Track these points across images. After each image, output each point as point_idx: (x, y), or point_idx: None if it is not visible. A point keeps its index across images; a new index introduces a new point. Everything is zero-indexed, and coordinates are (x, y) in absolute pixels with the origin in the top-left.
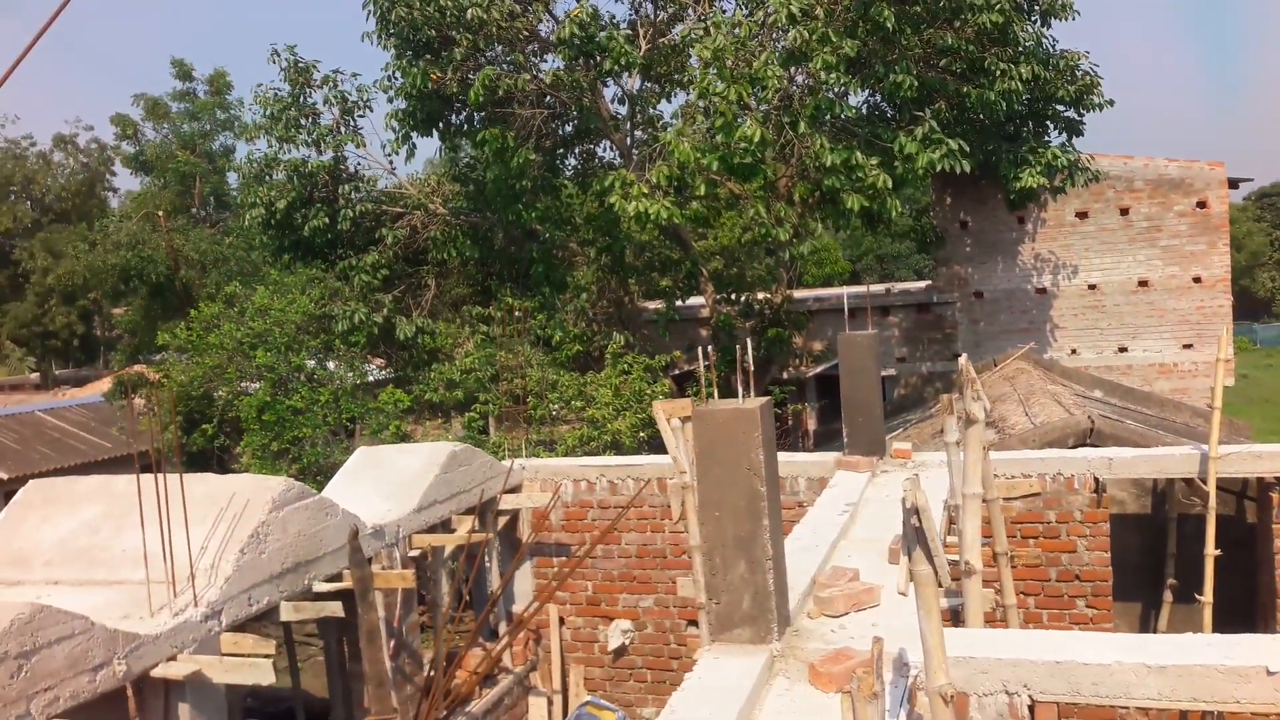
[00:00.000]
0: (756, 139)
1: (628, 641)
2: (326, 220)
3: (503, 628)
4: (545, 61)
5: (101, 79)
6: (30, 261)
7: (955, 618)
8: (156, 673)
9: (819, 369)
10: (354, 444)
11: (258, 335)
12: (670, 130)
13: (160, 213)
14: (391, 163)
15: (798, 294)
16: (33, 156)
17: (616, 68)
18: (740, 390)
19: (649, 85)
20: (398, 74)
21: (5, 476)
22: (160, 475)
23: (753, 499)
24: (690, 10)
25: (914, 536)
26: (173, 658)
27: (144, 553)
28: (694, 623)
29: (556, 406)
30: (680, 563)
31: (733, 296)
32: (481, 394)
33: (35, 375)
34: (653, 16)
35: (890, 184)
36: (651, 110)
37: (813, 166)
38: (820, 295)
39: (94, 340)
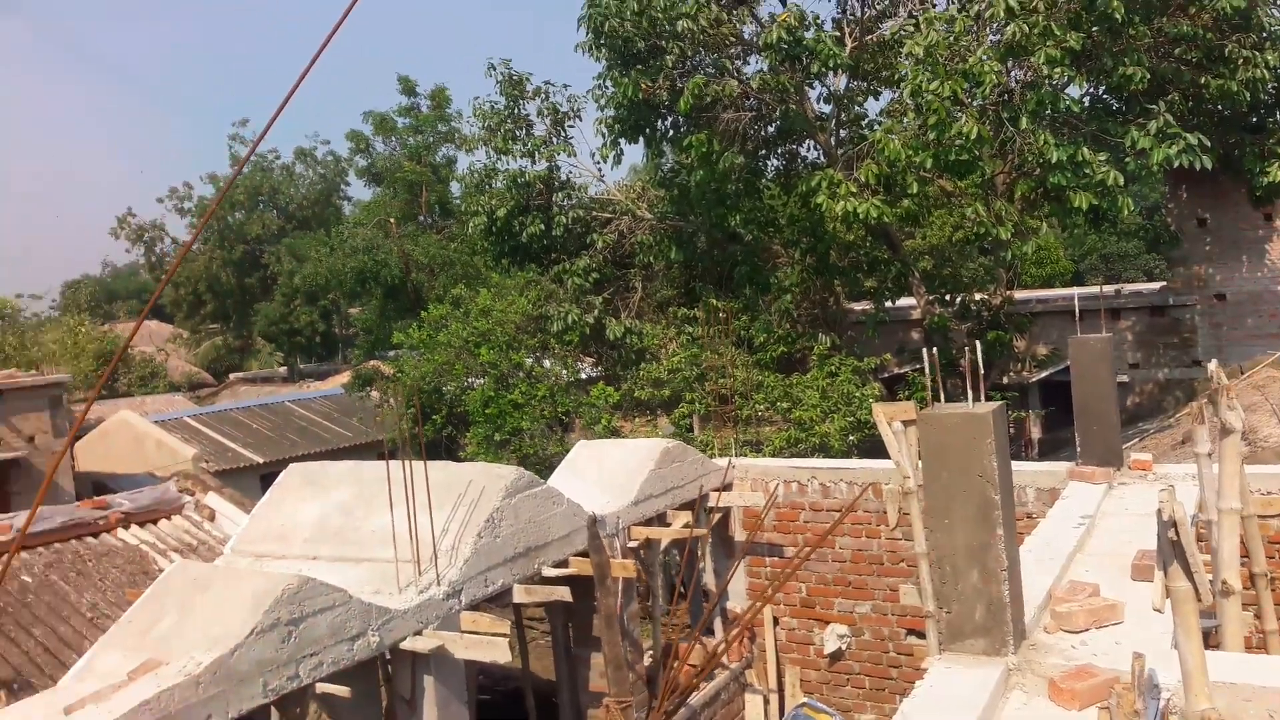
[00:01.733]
0: (974, 135)
1: (844, 647)
2: (542, 226)
3: (716, 623)
4: (749, 65)
5: (335, 96)
6: (277, 265)
7: (1206, 642)
8: (405, 645)
9: (1043, 374)
10: (568, 437)
11: (481, 334)
12: (879, 128)
13: (391, 220)
14: (600, 170)
15: (1018, 295)
16: (278, 169)
17: (823, 69)
18: (970, 394)
19: (855, 84)
20: (608, 84)
21: (260, 460)
22: (406, 462)
23: (985, 507)
24: (899, 7)
25: (1170, 550)
26: (419, 632)
27: (392, 533)
28: (915, 632)
29: (762, 407)
30: (898, 570)
31: (947, 297)
32: (687, 393)
33: (283, 369)
34: (859, 14)
35: (1121, 180)
36: (857, 109)
37: (1035, 163)
38: (1043, 296)
39: (333, 337)
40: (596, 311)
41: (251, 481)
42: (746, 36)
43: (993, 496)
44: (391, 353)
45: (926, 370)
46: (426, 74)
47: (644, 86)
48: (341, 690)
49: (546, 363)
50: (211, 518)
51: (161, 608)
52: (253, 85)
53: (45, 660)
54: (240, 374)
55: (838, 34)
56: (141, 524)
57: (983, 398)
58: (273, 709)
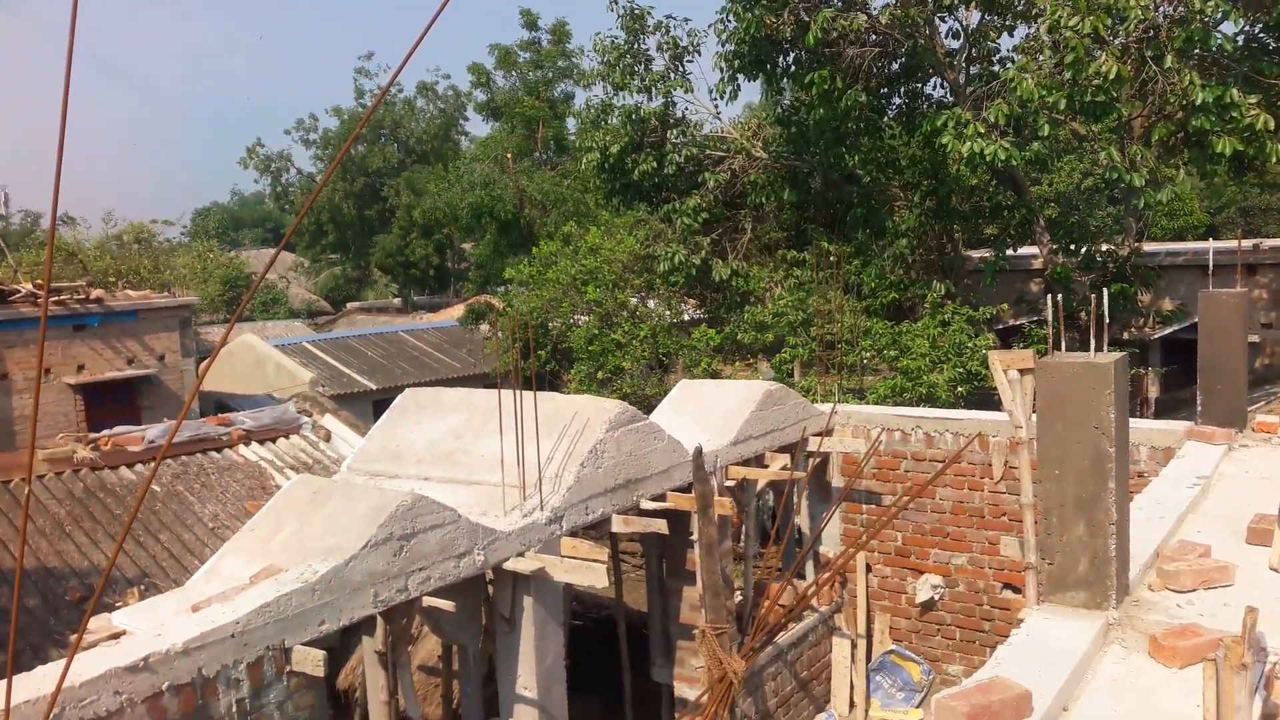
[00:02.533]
0: (1112, 75)
1: (937, 597)
2: (654, 164)
3: (808, 567)
4: None
5: (458, 29)
6: (396, 198)
7: None
8: (508, 565)
9: (1166, 331)
10: (667, 378)
11: (589, 272)
12: (1011, 66)
13: (508, 155)
14: (717, 107)
15: (1146, 247)
16: (400, 103)
17: (955, 2)
18: (1092, 344)
19: (988, 19)
20: (731, 19)
21: (373, 387)
22: (516, 391)
23: (1098, 459)
24: None
25: None
26: (521, 554)
27: (499, 459)
28: (1011, 586)
29: (869, 355)
30: (998, 524)
31: (1071, 247)
32: (791, 338)
33: (397, 300)
34: None
35: (1272, 125)
36: (989, 45)
37: (1177, 105)
38: (1173, 250)
39: (446, 270)
40: (704, 252)
41: (364, 406)
42: None
43: (1107, 449)
44: (502, 288)
45: (1050, 320)
46: (549, 7)
47: (767, 21)
48: (447, 605)
49: (651, 303)
50: (327, 438)
51: (282, 518)
52: (377, 17)
53: (170, 564)
54: (357, 303)
55: None
56: (261, 441)
57: (1105, 349)
58: (379, 618)
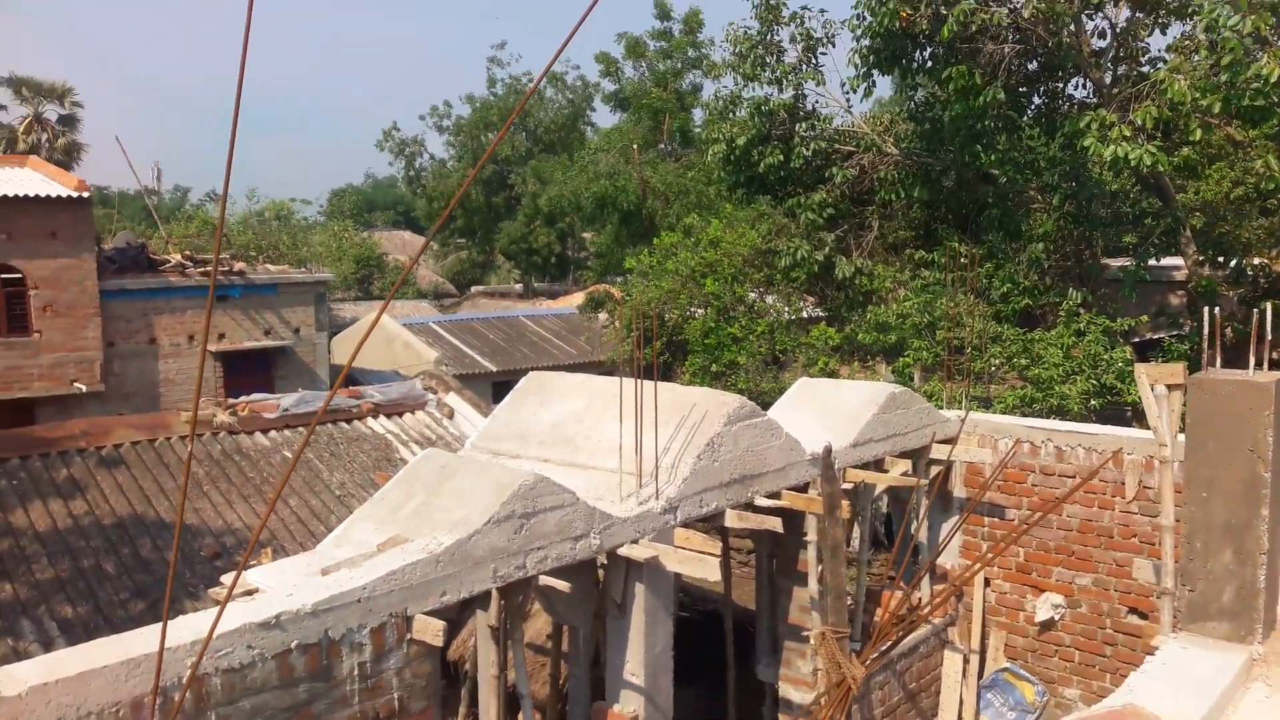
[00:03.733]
0: (1274, 78)
1: (1057, 616)
2: (781, 158)
3: (925, 579)
4: None
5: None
6: (522, 186)
7: None
8: (622, 551)
9: None
10: (782, 375)
11: (709, 265)
12: (1163, 67)
13: (634, 146)
14: (848, 101)
15: None
16: None
17: None
18: (1251, 361)
19: (1138, 16)
20: (866, 12)
21: (494, 369)
22: (637, 380)
23: (1252, 484)
24: None
25: None
26: (635, 541)
27: (618, 445)
28: (1137, 611)
29: (997, 362)
30: (1128, 545)
31: (1219, 259)
32: (914, 341)
33: (519, 286)
34: None
35: None
36: (1137, 44)
37: None
38: None
39: (567, 259)
40: (827, 249)
41: (484, 387)
42: None
43: (1262, 474)
44: (621, 278)
45: (1204, 335)
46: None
47: (903, 14)
48: (562, 585)
49: (770, 298)
50: (450, 415)
51: (411, 489)
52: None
53: (297, 528)
54: (480, 287)
55: None
56: (389, 415)
57: (1265, 367)
58: (495, 593)
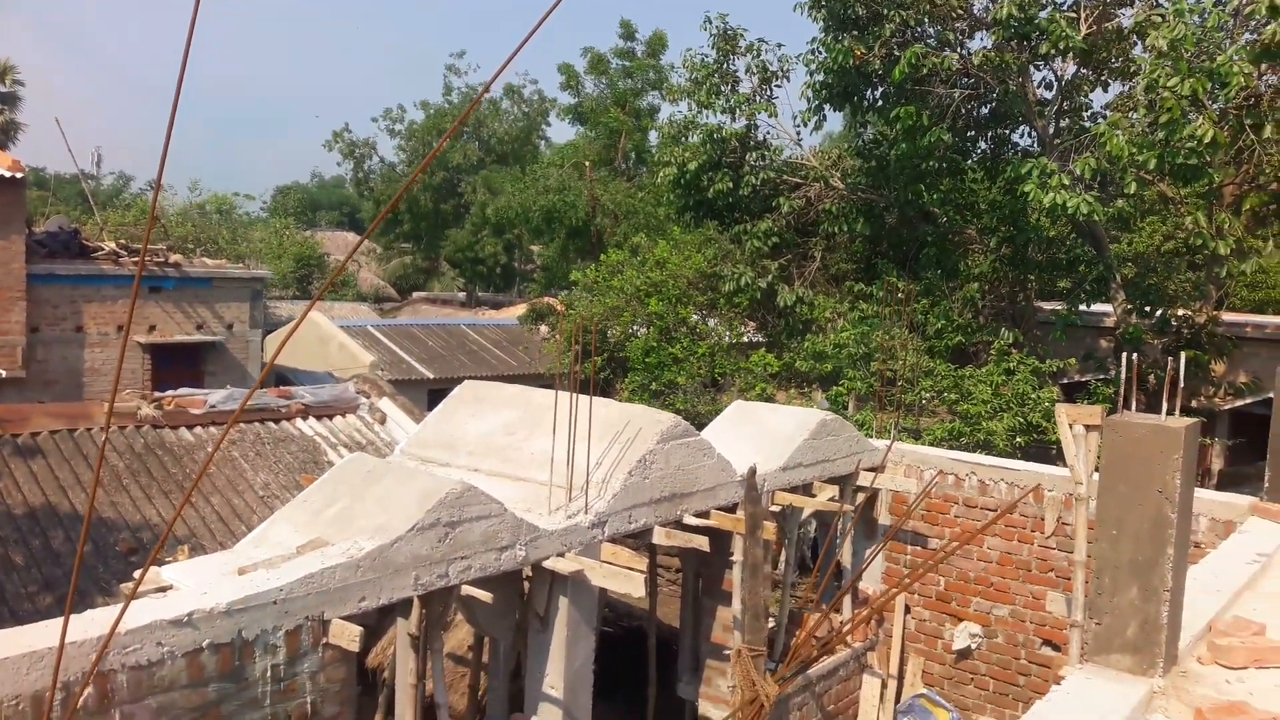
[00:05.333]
0: (1207, 139)
1: (974, 646)
2: (730, 184)
3: (845, 601)
4: (971, 40)
5: (555, 34)
6: (472, 195)
7: None
8: (547, 564)
9: (1237, 403)
10: (720, 398)
11: (653, 285)
12: (1103, 121)
13: (588, 163)
14: (798, 134)
15: (1225, 316)
16: (485, 104)
17: (1053, 51)
18: (1164, 407)
19: (1083, 72)
20: (821, 49)
21: (431, 376)
22: (573, 394)
23: (1159, 524)
24: None
25: None
26: (562, 554)
27: (548, 458)
28: (1050, 643)
29: (928, 395)
30: (1044, 579)
31: (1146, 309)
32: (850, 371)
33: (462, 294)
34: None
35: None
36: (1080, 99)
37: (1273, 176)
38: (1257, 322)
39: (512, 270)
40: (770, 276)
41: (419, 394)
42: (976, 12)
43: (1169, 514)
44: (565, 291)
45: (1121, 379)
46: (649, 21)
47: (857, 53)
48: (485, 595)
49: (712, 321)
50: (383, 421)
51: (334, 493)
52: (465, 17)
53: (218, 527)
54: (422, 293)
55: (1073, 15)
56: (319, 417)
57: (1176, 413)
58: (416, 601)
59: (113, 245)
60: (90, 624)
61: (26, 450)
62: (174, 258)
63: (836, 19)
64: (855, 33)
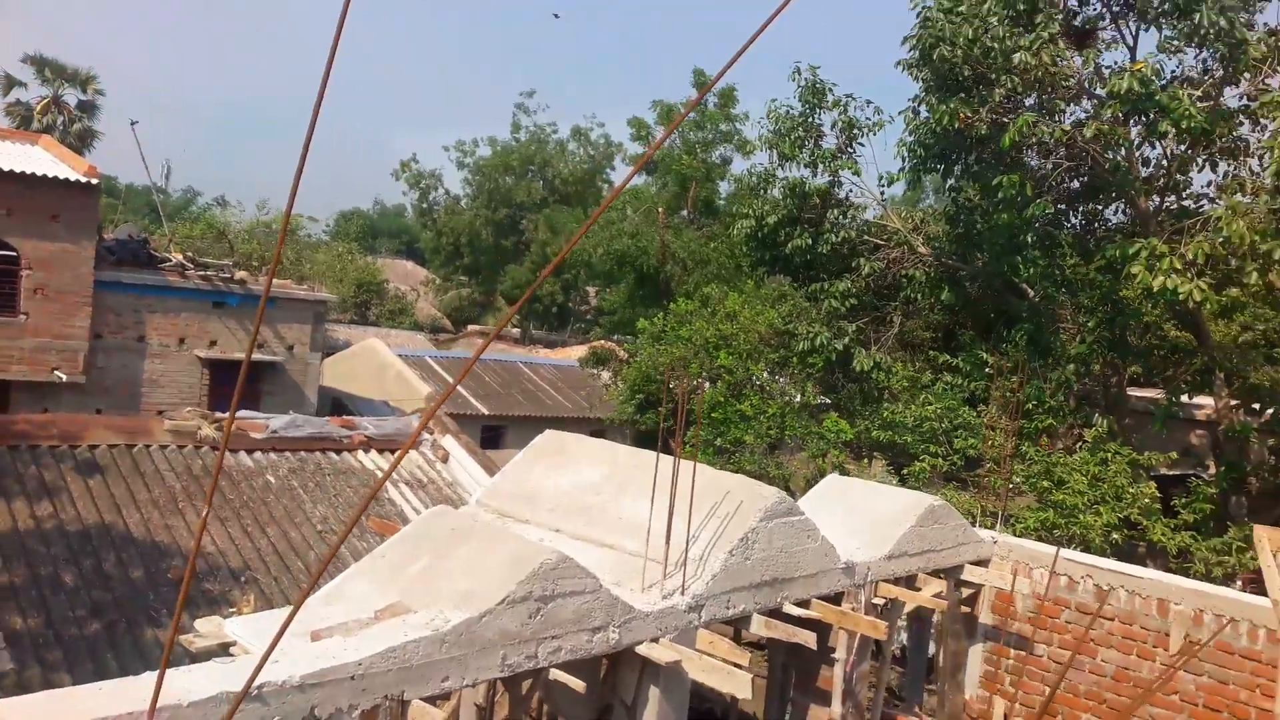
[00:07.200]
0: None
1: None
2: (809, 241)
3: (941, 706)
4: (1077, 109)
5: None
6: (533, 233)
7: None
8: (641, 650)
9: None
10: (788, 461)
11: (723, 338)
12: (1219, 204)
13: (660, 209)
14: (882, 193)
15: None
16: (552, 143)
17: (1173, 129)
18: None
19: (1189, 152)
20: (922, 109)
21: (486, 411)
22: (667, 457)
23: None
24: (1266, 67)
25: None
26: (656, 640)
27: (639, 524)
28: None
29: (1017, 479)
30: (1169, 703)
31: (1255, 406)
32: (932, 446)
33: (516, 330)
34: (1220, 73)
35: None
36: (1183, 176)
37: None
38: None
39: (568, 310)
40: (847, 339)
41: (474, 430)
42: (1084, 80)
43: None
44: (630, 338)
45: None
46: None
47: (961, 116)
48: (576, 683)
49: (783, 380)
50: (445, 459)
51: (416, 549)
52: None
53: (273, 560)
54: (476, 326)
55: (1193, 92)
56: (380, 450)
57: None
58: (499, 684)
59: (179, 257)
60: (145, 689)
61: (83, 464)
62: (239, 274)
63: (940, 79)
64: (961, 95)
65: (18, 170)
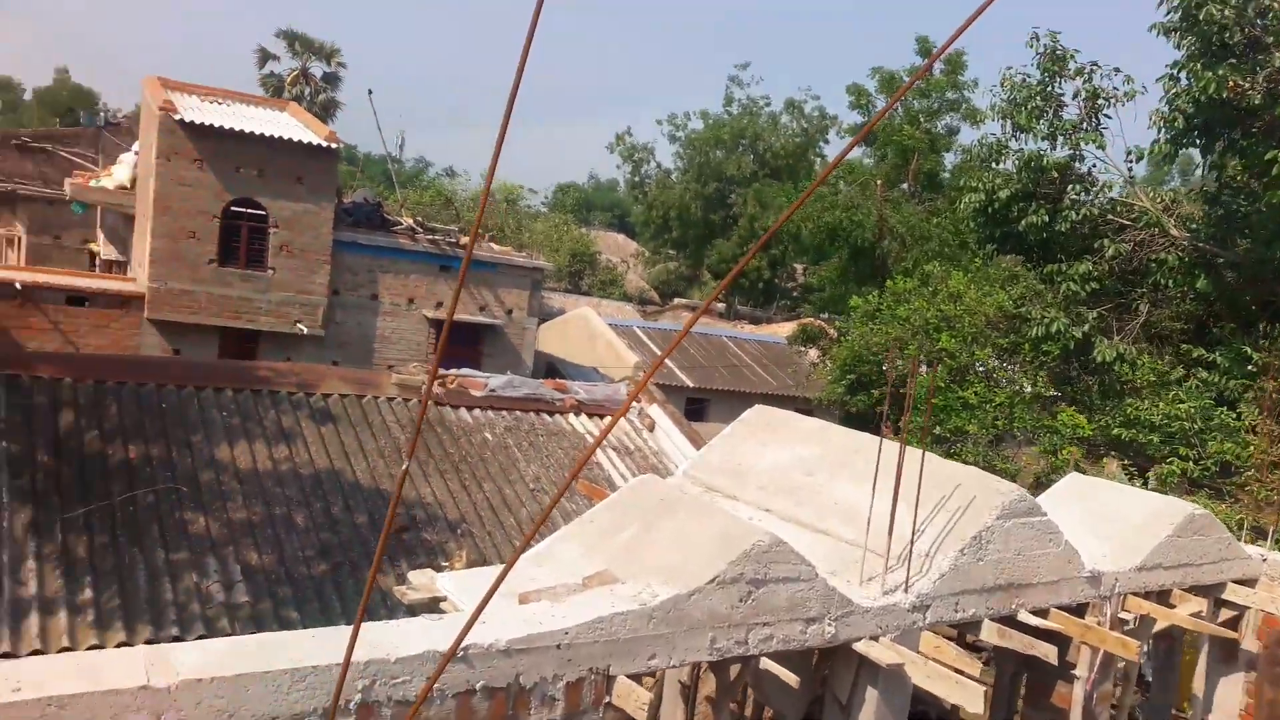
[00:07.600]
0: None
1: None
2: (1046, 218)
3: None
4: None
5: (839, 54)
6: (742, 207)
7: None
8: (860, 647)
9: None
10: (1014, 456)
11: (945, 319)
12: None
13: (878, 181)
14: (1130, 170)
15: None
16: (765, 116)
17: None
18: None
19: None
20: (1184, 76)
21: (690, 384)
22: (891, 442)
23: None
24: None
25: None
26: (876, 638)
27: (856, 512)
28: None
29: None
30: None
31: None
32: (1181, 448)
33: (721, 305)
34: None
35: None
36: None
37: None
38: None
39: (774, 286)
40: (1087, 326)
41: (678, 401)
42: None
43: None
44: (840, 316)
45: None
46: (945, 36)
47: (1231, 84)
48: (790, 677)
49: (1011, 368)
50: (651, 428)
51: (624, 517)
52: (758, 28)
53: (487, 515)
54: (683, 300)
55: None
56: (590, 415)
57: None
58: (705, 668)
59: (410, 221)
60: (358, 642)
61: (318, 411)
62: (464, 240)
63: (1206, 43)
64: (1232, 61)
65: (268, 134)
